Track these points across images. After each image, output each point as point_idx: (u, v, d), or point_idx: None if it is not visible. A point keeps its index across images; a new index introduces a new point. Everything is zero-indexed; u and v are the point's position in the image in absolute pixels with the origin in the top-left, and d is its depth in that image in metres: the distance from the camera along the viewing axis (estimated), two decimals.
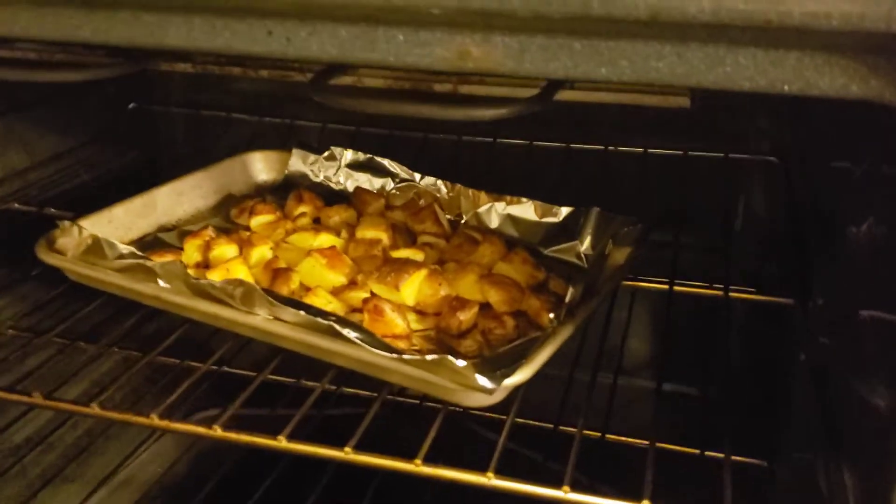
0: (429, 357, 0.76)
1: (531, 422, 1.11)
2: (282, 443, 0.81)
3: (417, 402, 1.18)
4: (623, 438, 1.07)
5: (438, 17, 0.56)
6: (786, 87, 0.54)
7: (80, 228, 1.03)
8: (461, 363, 0.74)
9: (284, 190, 1.33)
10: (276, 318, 0.90)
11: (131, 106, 1.61)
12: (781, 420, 1.13)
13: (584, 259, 1.12)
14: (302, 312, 0.84)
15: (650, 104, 0.92)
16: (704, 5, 0.49)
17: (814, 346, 0.99)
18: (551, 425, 1.09)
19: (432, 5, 0.54)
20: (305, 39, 0.61)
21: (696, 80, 0.55)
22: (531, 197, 1.22)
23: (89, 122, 1.57)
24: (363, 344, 0.80)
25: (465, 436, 0.81)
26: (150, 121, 1.67)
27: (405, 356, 0.78)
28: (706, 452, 1.04)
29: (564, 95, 0.78)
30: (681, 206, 1.24)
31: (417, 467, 0.78)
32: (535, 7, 0.52)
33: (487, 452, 0.81)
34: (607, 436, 1.04)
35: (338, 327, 0.81)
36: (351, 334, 0.80)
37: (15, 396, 0.92)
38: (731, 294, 1.08)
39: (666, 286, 1.10)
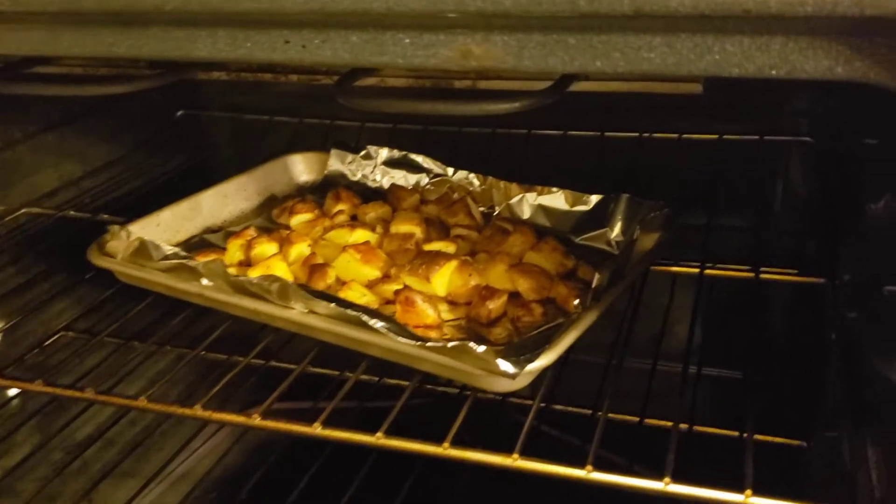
0: (450, 344, 0.79)
1: (570, 408, 1.14)
2: (317, 430, 0.84)
3: (457, 390, 1.19)
4: (659, 422, 1.09)
5: (441, 20, 0.59)
6: (773, 72, 0.56)
7: (129, 232, 1.09)
8: (481, 349, 0.77)
9: (325, 189, 1.37)
10: (311, 312, 0.94)
11: (179, 113, 1.67)
12: (815, 400, 1.14)
13: (615, 246, 1.14)
14: (333, 305, 0.88)
15: (662, 91, 0.94)
16: None
17: (843, 323, 1.00)
18: (589, 411, 1.12)
19: (435, 9, 0.57)
20: (319, 46, 0.65)
21: (687, 69, 0.57)
22: (567, 186, 1.23)
23: (137, 131, 1.63)
24: (388, 333, 0.83)
25: (510, 426, 0.83)
26: (195, 126, 1.72)
27: (428, 344, 0.81)
28: (743, 434, 1.06)
29: (577, 87, 0.80)
30: (717, 189, 1.24)
31: (445, 450, 0.81)
32: (525, 7, 0.55)
33: (527, 438, 0.82)
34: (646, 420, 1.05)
35: (365, 318, 0.85)
36: (377, 324, 0.84)
37: (70, 392, 0.98)
38: (762, 275, 1.09)
39: (697, 269, 1.12)
